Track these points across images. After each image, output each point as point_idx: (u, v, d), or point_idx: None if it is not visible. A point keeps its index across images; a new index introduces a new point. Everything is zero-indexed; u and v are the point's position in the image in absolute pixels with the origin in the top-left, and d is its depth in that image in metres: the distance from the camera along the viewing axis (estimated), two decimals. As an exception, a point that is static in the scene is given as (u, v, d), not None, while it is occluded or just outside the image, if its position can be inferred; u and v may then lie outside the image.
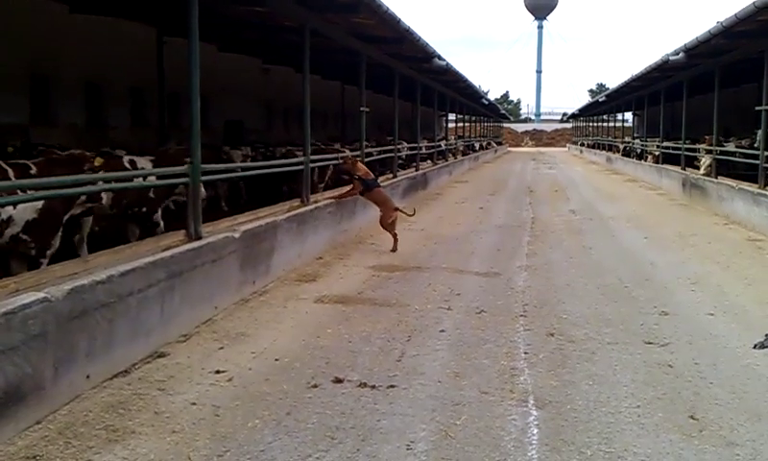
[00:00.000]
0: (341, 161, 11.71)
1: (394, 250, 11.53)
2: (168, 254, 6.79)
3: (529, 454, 4.55)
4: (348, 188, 12.33)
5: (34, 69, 14.89)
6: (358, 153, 15.99)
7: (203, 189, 10.59)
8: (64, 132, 15.09)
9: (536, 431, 4.87)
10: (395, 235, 11.72)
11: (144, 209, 9.86)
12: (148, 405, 5.22)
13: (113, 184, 8.17)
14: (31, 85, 15.00)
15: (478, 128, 54.45)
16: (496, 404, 5.32)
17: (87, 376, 5.41)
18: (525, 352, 6.54)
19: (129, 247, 7.52)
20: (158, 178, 8.93)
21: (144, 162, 9.91)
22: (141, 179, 9.29)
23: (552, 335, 7.07)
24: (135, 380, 5.71)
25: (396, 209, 12.13)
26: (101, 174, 7.90)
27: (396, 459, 4.46)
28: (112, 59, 16.46)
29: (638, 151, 32.51)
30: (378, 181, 12.87)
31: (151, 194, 9.77)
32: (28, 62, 14.52)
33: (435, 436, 4.78)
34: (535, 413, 5.17)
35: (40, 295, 4.96)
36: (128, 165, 9.67)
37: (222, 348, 6.60)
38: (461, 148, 37.67)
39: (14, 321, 4.64)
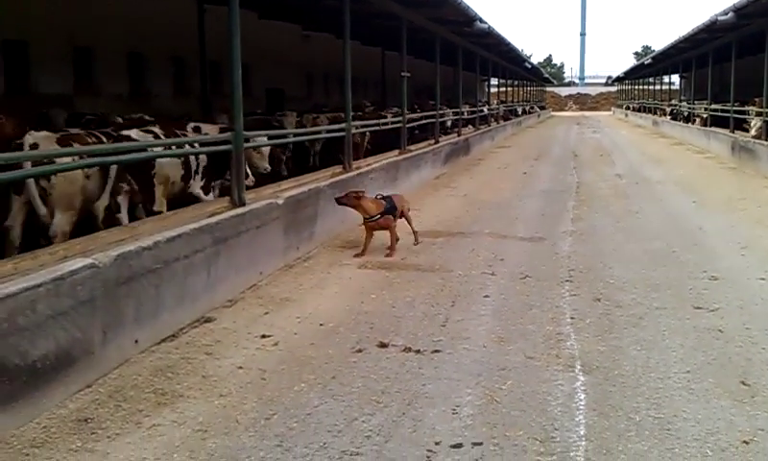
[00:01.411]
0: (342, 195, 9.22)
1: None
2: (213, 220, 6.83)
3: (576, 419, 4.49)
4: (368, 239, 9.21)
5: (76, 40, 15.04)
6: (400, 119, 15.89)
7: (265, 164, 10.52)
8: (108, 101, 15.25)
9: (583, 397, 4.81)
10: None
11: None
12: (195, 369, 5.28)
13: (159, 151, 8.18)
14: (74, 56, 15.18)
15: (521, 92, 53.70)
16: (542, 369, 5.27)
17: (136, 341, 5.50)
18: (571, 318, 6.46)
19: (174, 214, 7.58)
20: (202, 145, 8.95)
21: (210, 128, 9.79)
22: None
23: (599, 300, 6.97)
24: (183, 345, 5.78)
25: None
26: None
27: (442, 423, 4.44)
28: (154, 28, 16.58)
29: (686, 114, 31.82)
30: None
31: None
32: (70, 34, 14.67)
33: (480, 401, 4.75)
34: (582, 378, 5.10)
35: (88, 261, 5.03)
36: (191, 131, 9.54)
37: (267, 313, 6.65)
38: (503, 113, 37.26)
39: (63, 286, 4.72)
